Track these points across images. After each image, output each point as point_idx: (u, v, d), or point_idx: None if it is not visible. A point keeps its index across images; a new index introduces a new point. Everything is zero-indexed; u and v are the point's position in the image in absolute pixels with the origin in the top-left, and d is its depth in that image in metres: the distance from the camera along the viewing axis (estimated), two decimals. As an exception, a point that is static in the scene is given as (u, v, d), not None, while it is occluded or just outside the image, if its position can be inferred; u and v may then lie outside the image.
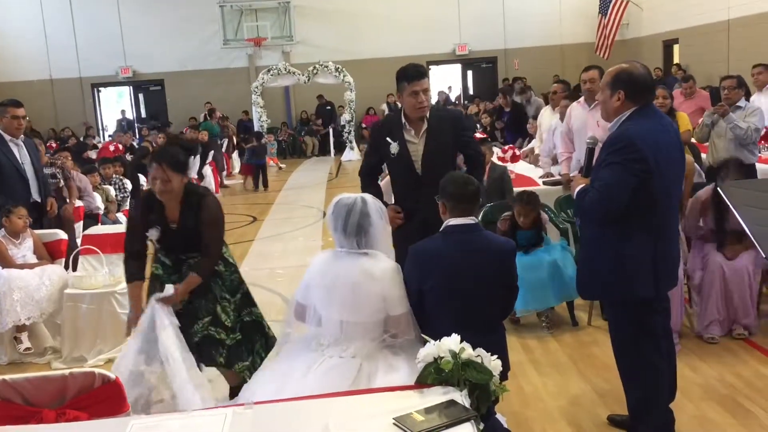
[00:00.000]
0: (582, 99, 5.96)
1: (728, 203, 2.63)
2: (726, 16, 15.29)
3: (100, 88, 21.97)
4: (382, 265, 3.01)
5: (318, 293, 3.07)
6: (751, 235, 2.51)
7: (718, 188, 3.57)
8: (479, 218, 5.71)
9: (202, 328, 3.91)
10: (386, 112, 16.36)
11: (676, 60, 17.47)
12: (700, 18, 16.11)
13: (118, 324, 5.03)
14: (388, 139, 4.19)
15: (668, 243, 3.42)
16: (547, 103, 9.52)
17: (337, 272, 3.02)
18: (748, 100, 7.60)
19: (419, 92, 4.05)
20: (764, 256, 2.32)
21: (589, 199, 3.27)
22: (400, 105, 4.31)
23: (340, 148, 19.60)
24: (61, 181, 7.33)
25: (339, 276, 3.00)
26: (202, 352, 3.92)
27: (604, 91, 3.42)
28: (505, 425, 3.55)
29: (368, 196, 3.11)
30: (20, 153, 6.03)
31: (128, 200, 9.11)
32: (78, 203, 7.53)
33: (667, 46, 18.37)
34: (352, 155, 18.47)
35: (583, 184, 3.38)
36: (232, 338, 3.99)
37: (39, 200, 6.11)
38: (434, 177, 3.53)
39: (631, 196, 3.18)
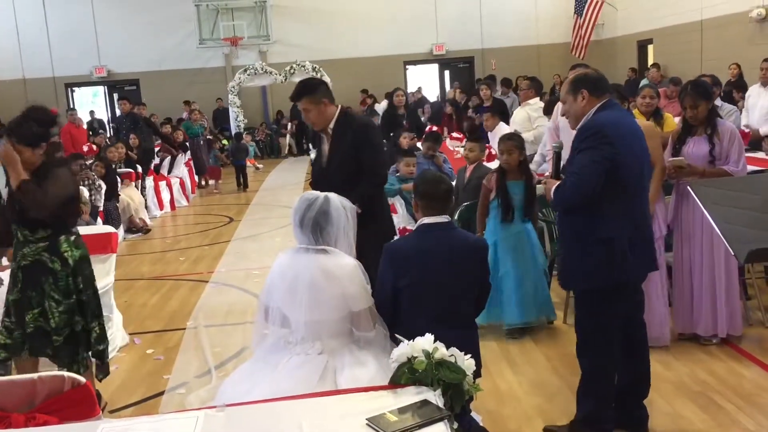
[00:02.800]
0: None
1: (698, 201, 2.66)
2: (699, 16, 15.49)
3: (74, 88, 21.71)
4: (340, 262, 2.99)
5: (280, 294, 3.06)
6: (720, 234, 2.53)
7: (689, 187, 3.59)
8: (456, 218, 5.74)
9: (32, 319, 3.93)
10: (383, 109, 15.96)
11: (650, 60, 17.64)
12: (673, 18, 16.31)
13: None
14: (310, 145, 4.41)
15: (643, 224, 3.51)
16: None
17: (296, 272, 3.00)
18: (722, 99, 7.68)
19: (302, 110, 4.30)
20: (733, 253, 2.34)
21: (568, 185, 3.37)
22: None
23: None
24: None
25: (298, 276, 2.99)
26: (33, 341, 3.95)
27: (566, 101, 3.54)
28: (481, 424, 3.56)
29: (334, 195, 3.10)
30: None
31: (101, 201, 9.01)
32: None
33: (642, 46, 18.56)
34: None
35: (557, 183, 3.47)
36: (56, 339, 3.97)
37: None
38: (335, 183, 3.65)
39: (605, 178, 3.27)
